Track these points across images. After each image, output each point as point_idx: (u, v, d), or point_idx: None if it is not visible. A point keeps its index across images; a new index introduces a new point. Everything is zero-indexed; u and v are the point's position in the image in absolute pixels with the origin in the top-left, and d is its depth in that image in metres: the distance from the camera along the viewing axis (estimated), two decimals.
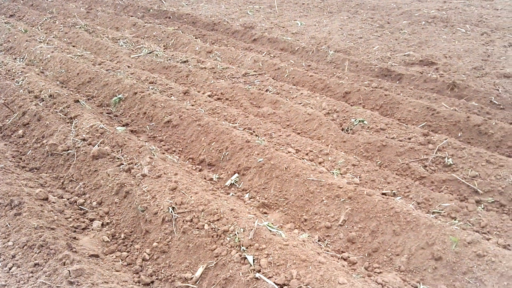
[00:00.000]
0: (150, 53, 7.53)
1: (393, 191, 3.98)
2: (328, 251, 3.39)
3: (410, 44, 8.82)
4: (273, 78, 6.67)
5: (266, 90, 6.06)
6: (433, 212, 3.71)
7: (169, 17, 10.76)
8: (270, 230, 3.16)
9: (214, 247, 3.07)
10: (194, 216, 3.30)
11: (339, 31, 9.48)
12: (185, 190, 3.54)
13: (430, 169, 4.47)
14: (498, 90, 6.73)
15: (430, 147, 4.66)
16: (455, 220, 3.58)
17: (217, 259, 3.00)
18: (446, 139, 4.71)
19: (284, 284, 2.75)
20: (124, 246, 3.41)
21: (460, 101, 6.03)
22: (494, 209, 3.93)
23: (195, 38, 8.86)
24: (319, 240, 3.54)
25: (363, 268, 3.26)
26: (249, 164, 4.21)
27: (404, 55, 8.15)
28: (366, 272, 3.22)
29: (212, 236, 3.14)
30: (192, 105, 5.42)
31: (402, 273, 3.22)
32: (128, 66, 6.86)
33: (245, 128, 4.90)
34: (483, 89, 6.52)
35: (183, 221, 3.29)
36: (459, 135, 5.19)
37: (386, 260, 3.33)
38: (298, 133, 5.11)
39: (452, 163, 4.42)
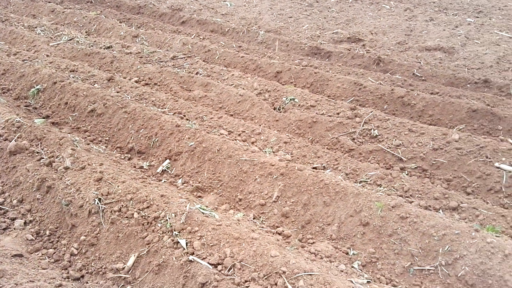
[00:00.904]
0: (70, 40, 7.12)
1: (323, 165, 4.08)
2: (263, 227, 3.42)
3: (338, 22, 9.03)
4: (203, 61, 6.56)
5: (197, 73, 5.95)
6: (361, 181, 3.85)
7: (91, 1, 10.22)
8: (203, 213, 3.13)
9: (145, 234, 2.99)
10: (122, 205, 3.18)
11: (269, 11, 9.49)
12: (111, 180, 3.41)
13: (358, 141, 4.63)
14: (420, 62, 7.09)
15: (357, 120, 4.82)
16: (380, 187, 3.75)
17: (149, 247, 2.93)
18: (371, 111, 4.89)
19: (218, 263, 2.75)
20: (50, 243, 3.23)
21: (385, 75, 6.28)
22: (417, 174, 4.15)
23: (120, 22, 8.49)
24: (254, 218, 3.56)
25: (297, 240, 3.33)
26: (181, 149, 4.13)
27: (333, 33, 8.34)
28: (300, 243, 3.29)
29: (143, 224, 3.05)
30: (118, 92, 5.21)
31: (333, 241, 3.32)
32: (47, 55, 6.44)
33: (175, 113, 4.79)
34: (406, 63, 6.84)
35: (111, 211, 3.17)
36: (385, 107, 5.41)
37: (319, 231, 3.42)
38: (231, 115, 5.08)
39: (378, 134, 4.60)
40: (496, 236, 3.09)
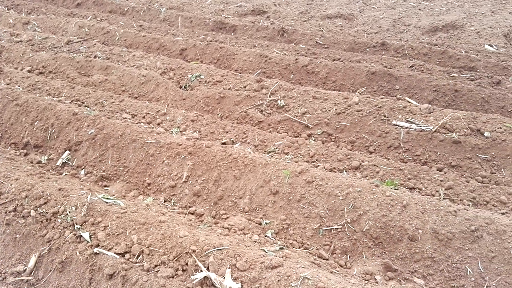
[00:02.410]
0: None
1: (232, 139, 4.08)
2: (174, 209, 3.36)
3: None
4: (102, 43, 6.20)
5: (95, 57, 5.61)
6: (269, 152, 3.90)
7: None
8: (106, 202, 2.99)
9: (45, 232, 2.80)
10: (17, 204, 2.95)
11: None
12: (3, 178, 3.13)
13: (266, 112, 4.68)
14: (322, 31, 7.29)
15: (264, 92, 4.85)
16: (288, 155, 3.83)
17: (50, 244, 2.75)
18: (277, 82, 4.95)
19: (126, 252, 2.65)
20: None
21: (290, 45, 6.37)
22: (323, 139, 4.30)
23: (8, 9, 7.74)
24: (165, 201, 3.48)
25: (210, 217, 3.32)
26: (80, 138, 3.89)
27: (237, 6, 8.27)
28: (213, 220, 3.28)
29: (42, 222, 2.86)
30: (8, 84, 4.76)
31: (246, 213, 3.36)
32: None
33: (72, 101, 4.49)
34: (309, 32, 6.99)
35: (6, 212, 2.92)
36: (291, 77, 5.51)
37: (231, 205, 3.43)
38: (135, 97, 4.88)
39: (284, 104, 4.68)
40: (395, 189, 3.30)
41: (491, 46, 6.65)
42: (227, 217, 3.34)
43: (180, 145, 3.70)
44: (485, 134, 3.93)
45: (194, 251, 2.57)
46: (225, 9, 8.08)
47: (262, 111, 4.68)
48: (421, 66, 5.65)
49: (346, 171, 3.67)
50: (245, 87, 4.96)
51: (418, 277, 2.88)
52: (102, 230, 2.75)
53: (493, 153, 3.85)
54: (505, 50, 6.48)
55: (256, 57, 5.74)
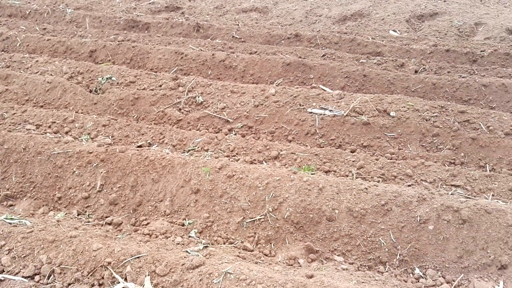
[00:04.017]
0: None
1: (148, 141, 3.94)
2: (89, 222, 3.17)
3: None
4: (2, 50, 5.74)
5: None
6: (189, 150, 3.82)
7: None
8: (10, 223, 2.75)
9: None
10: None
11: None
12: None
13: (185, 110, 4.58)
14: (238, 25, 7.29)
15: (181, 89, 4.74)
16: (208, 151, 3.77)
17: None
18: (193, 79, 4.86)
19: (35, 274, 2.46)
20: None
21: (206, 41, 6.30)
22: (243, 132, 4.28)
23: None
24: (79, 214, 3.28)
25: (129, 225, 3.18)
26: None
27: (149, 3, 8.03)
28: (133, 228, 3.15)
29: None
30: None
31: (168, 216, 3.26)
32: None
33: None
34: (225, 26, 6.96)
35: None
36: (209, 73, 5.44)
37: (152, 210, 3.31)
38: (41, 106, 4.55)
39: (203, 100, 4.60)
40: (312, 174, 3.37)
41: (395, 31, 7.05)
42: (148, 223, 3.22)
43: (91, 152, 3.50)
44: (391, 114, 4.16)
45: (109, 263, 2.44)
46: (137, 6, 7.80)
47: (180, 109, 4.57)
48: (333, 55, 5.84)
49: (266, 162, 3.69)
50: (160, 86, 4.81)
51: (338, 255, 2.98)
52: (7, 254, 2.52)
53: (399, 130, 4.10)
54: (408, 34, 6.90)
55: (172, 55, 5.60)
